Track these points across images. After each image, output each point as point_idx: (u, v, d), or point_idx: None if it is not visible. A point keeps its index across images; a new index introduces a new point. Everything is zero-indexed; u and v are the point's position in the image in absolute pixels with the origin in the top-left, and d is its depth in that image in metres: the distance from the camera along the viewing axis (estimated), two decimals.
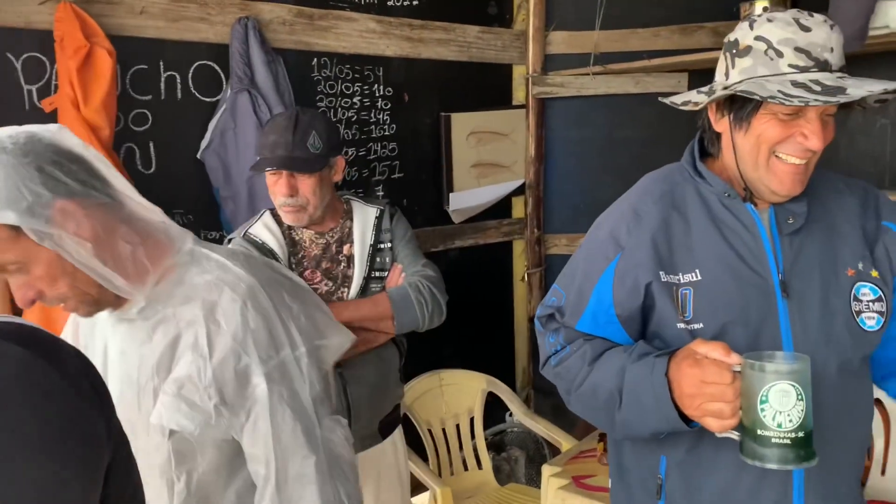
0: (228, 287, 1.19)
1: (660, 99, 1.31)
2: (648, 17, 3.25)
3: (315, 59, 2.68)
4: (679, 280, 1.21)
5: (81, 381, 0.78)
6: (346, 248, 2.00)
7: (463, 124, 3.11)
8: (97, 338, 1.29)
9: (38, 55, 2.08)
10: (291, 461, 1.18)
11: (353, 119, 2.83)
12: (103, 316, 1.22)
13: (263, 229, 1.98)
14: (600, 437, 2.29)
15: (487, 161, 3.23)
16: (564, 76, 3.29)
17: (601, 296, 1.26)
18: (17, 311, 1.65)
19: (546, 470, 2.19)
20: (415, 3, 2.94)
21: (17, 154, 1.03)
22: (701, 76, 3.10)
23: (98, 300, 1.15)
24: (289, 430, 1.18)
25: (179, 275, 1.21)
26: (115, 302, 1.18)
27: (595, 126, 3.39)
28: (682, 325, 1.20)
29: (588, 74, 3.21)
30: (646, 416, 1.16)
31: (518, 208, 3.46)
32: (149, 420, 1.17)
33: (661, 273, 1.21)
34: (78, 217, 1.08)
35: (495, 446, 3.24)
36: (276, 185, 1.90)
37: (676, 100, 1.25)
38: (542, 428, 2.79)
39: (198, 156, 2.40)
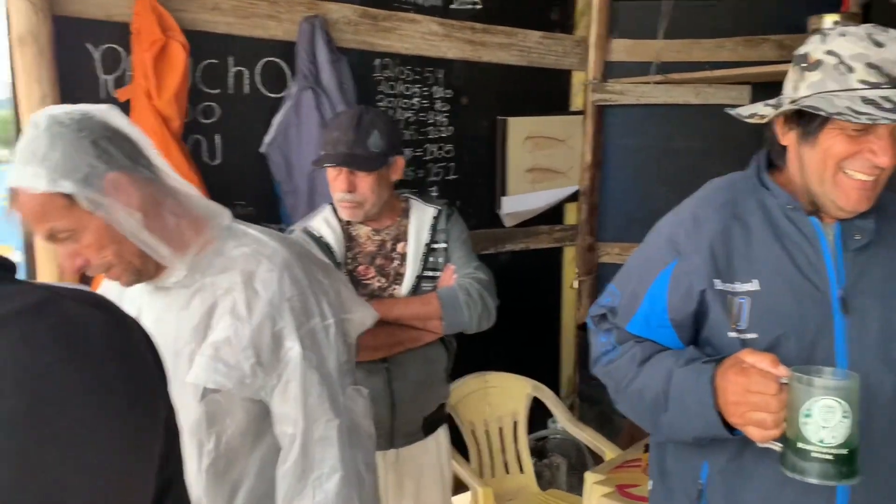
0: (266, 258, 1.26)
1: (725, 110, 1.31)
2: (712, 27, 3.22)
3: (377, 60, 2.73)
4: (734, 289, 1.21)
5: (146, 349, 0.82)
6: (400, 246, 2.03)
7: (520, 128, 3.12)
8: (126, 308, 1.35)
9: (116, 47, 2.16)
10: (316, 424, 1.23)
11: (411, 120, 2.87)
12: (137, 287, 1.29)
13: (323, 224, 2.02)
14: (646, 448, 2.27)
15: (542, 166, 3.24)
16: (624, 84, 3.28)
17: (655, 299, 1.27)
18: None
19: (589, 477, 2.18)
20: (478, 6, 2.97)
21: (73, 129, 1.12)
22: (764, 89, 3.05)
23: (140, 269, 1.22)
24: (316, 394, 1.23)
25: (218, 247, 1.27)
26: (154, 272, 1.25)
27: (653, 135, 3.37)
28: (734, 334, 1.20)
29: (648, 83, 3.20)
30: (689, 420, 1.17)
31: (571, 215, 3.45)
32: (183, 382, 1.22)
33: (716, 281, 1.21)
34: (129, 189, 1.15)
35: (537, 452, 3.24)
36: (335, 181, 1.95)
37: (742, 112, 1.25)
38: (587, 436, 2.78)
39: (261, 150, 2.46)
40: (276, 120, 2.46)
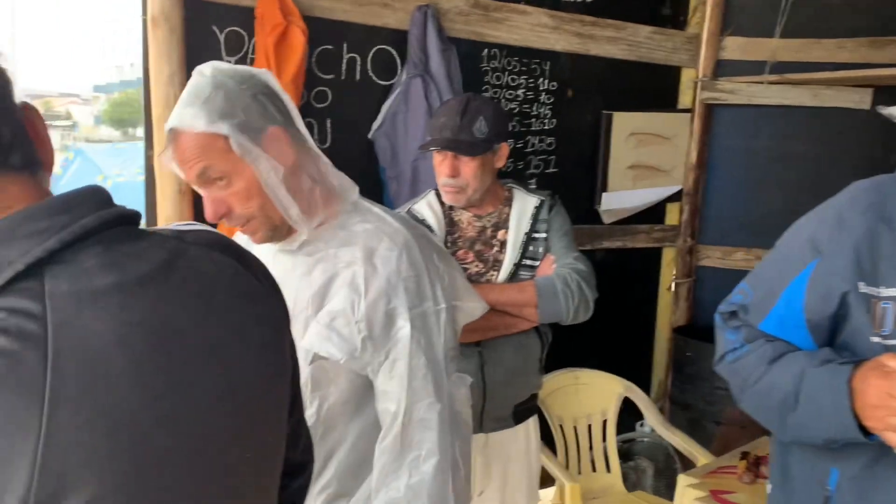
0: (387, 237, 1.28)
1: (878, 109, 1.26)
2: (834, 27, 3.08)
3: (485, 50, 2.74)
4: (880, 293, 1.16)
5: (271, 290, 0.84)
6: (500, 234, 2.04)
7: (624, 124, 3.07)
8: None
9: (239, 30, 2.26)
10: (418, 405, 1.24)
11: (516, 111, 2.87)
12: (264, 247, 1.33)
13: (426, 207, 2.05)
14: (742, 455, 2.21)
15: (646, 164, 3.18)
16: (736, 83, 3.18)
17: (791, 299, 1.23)
18: None
19: (682, 480, 2.14)
20: (588, 0, 2.94)
21: (237, 80, 1.19)
22: (889, 93, 2.90)
23: (278, 227, 1.26)
24: (421, 376, 1.24)
25: (343, 221, 1.31)
26: (286, 233, 1.29)
27: (764, 137, 3.25)
28: (876, 339, 1.15)
29: (762, 83, 3.09)
30: (822, 422, 1.13)
31: (672, 215, 3.38)
32: (297, 345, 1.26)
33: (860, 283, 1.16)
34: (282, 144, 1.21)
35: (623, 454, 3.18)
36: (440, 166, 1.97)
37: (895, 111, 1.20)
38: (679, 440, 2.72)
39: (369, 136, 2.52)
40: (385, 107, 2.51)
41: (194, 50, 2.14)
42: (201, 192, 1.23)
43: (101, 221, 0.64)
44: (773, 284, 1.27)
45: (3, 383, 0.55)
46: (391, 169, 2.51)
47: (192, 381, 0.67)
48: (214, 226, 0.95)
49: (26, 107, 0.67)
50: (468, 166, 1.95)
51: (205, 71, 1.20)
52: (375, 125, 2.51)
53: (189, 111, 1.17)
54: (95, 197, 0.67)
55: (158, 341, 0.64)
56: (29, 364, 0.56)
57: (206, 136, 1.16)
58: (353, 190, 1.35)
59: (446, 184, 1.97)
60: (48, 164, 0.68)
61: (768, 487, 1.39)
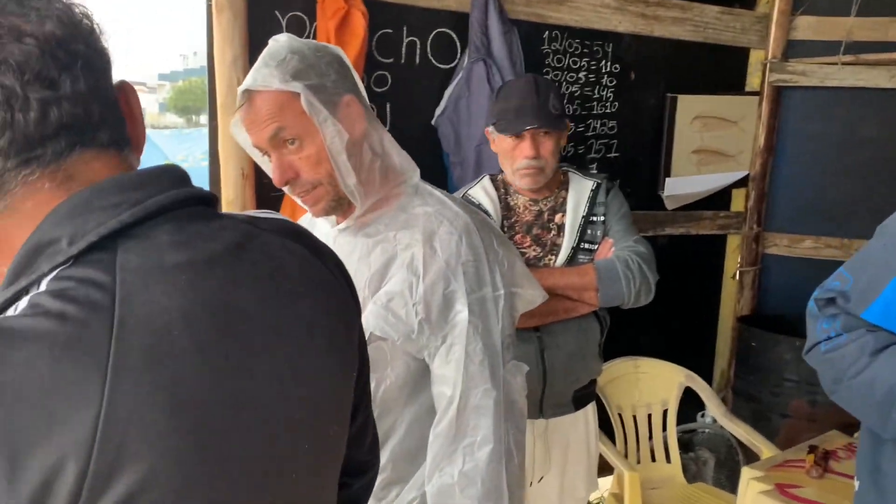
0: (448, 220, 1.27)
1: None
2: None
3: (546, 32, 2.70)
4: None
5: (341, 277, 0.83)
6: (557, 217, 2.02)
7: (689, 107, 2.99)
8: None
9: (301, 14, 2.27)
10: (474, 391, 1.23)
11: (577, 94, 2.82)
12: (325, 230, 1.34)
13: (482, 192, 2.04)
14: (810, 449, 2.14)
15: (711, 148, 3.09)
16: (807, 64, 3.06)
17: None
18: None
19: (746, 473, 2.08)
20: None
21: (312, 49, 1.22)
22: None
23: (339, 200, 1.27)
24: (478, 362, 1.23)
25: (403, 203, 1.30)
26: (346, 210, 1.29)
27: (836, 121, 3.12)
28: None
29: (836, 64, 2.96)
30: None
31: (738, 201, 3.28)
32: None
33: None
34: (354, 113, 1.22)
35: (683, 445, 3.12)
36: (517, 149, 1.93)
37: None
38: (742, 432, 2.65)
39: (432, 122, 2.50)
40: (448, 92, 2.49)
41: (257, 35, 2.16)
42: (270, 156, 1.24)
43: (174, 199, 0.65)
44: (880, 271, 1.20)
45: (68, 350, 0.56)
46: (455, 154, 2.49)
47: (256, 365, 0.66)
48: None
49: (123, 85, 0.69)
50: (547, 145, 1.92)
51: (280, 38, 1.23)
52: (438, 111, 2.50)
53: (264, 71, 1.19)
54: (171, 175, 0.67)
55: (224, 322, 0.64)
56: (95, 332, 0.57)
57: (280, 95, 1.18)
58: (414, 172, 1.34)
59: (528, 165, 1.93)
60: (137, 143, 0.68)
61: (855, 485, 1.33)
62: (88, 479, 0.54)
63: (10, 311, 0.58)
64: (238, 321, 0.66)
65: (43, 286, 0.59)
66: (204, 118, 2.31)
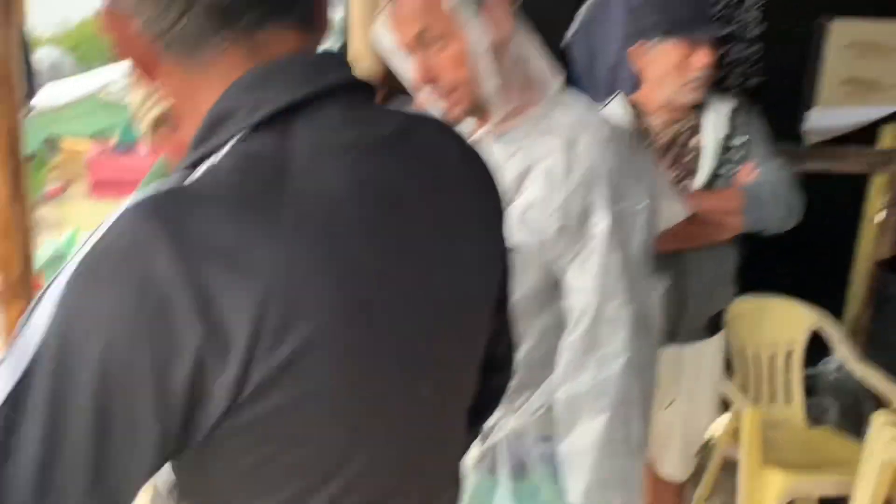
0: (590, 129, 1.22)
1: None
2: None
3: None
4: None
5: (491, 177, 0.85)
6: (695, 140, 1.93)
7: (844, 32, 2.76)
8: None
9: None
10: (610, 303, 1.20)
11: (717, 16, 2.66)
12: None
13: (615, 112, 1.97)
14: None
15: (864, 78, 2.86)
16: None
17: None
18: None
19: (879, 417, 1.99)
20: None
21: None
22: None
23: (478, 104, 1.25)
24: (615, 274, 1.20)
25: (544, 111, 1.26)
26: (483, 116, 1.27)
27: None
28: None
29: None
30: None
31: (889, 138, 3.03)
32: None
33: None
34: (500, 13, 1.19)
35: (806, 389, 3.01)
36: (692, 57, 1.82)
37: None
38: (875, 379, 2.52)
39: (562, 45, 2.43)
40: (581, 13, 2.42)
41: None
42: (413, 57, 1.23)
43: (345, 82, 0.67)
44: None
45: (248, 212, 0.59)
46: (587, 78, 2.42)
47: (415, 248, 0.69)
48: None
49: None
50: (710, 56, 1.82)
51: None
52: (569, 33, 2.43)
53: None
54: (340, 59, 0.70)
55: (388, 204, 0.67)
56: (272, 200, 0.60)
57: None
58: (556, 79, 1.30)
59: (698, 78, 1.84)
60: (320, 27, 0.70)
61: None
62: (263, 332, 0.57)
63: (193, 176, 0.61)
64: (399, 205, 0.68)
65: (222, 153, 0.62)
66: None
